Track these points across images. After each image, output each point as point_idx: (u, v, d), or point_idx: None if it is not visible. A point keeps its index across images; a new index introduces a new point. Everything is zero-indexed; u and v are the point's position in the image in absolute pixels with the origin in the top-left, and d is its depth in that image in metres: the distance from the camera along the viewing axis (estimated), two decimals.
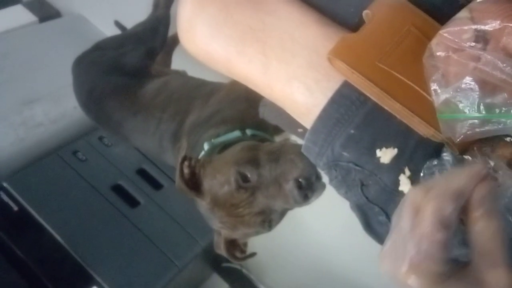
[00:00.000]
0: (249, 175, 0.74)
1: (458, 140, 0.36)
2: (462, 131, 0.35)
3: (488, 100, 0.33)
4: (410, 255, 0.31)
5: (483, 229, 0.32)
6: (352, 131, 0.45)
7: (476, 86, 0.34)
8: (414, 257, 0.31)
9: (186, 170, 0.79)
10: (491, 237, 0.31)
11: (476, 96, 0.34)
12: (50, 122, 1.52)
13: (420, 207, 0.32)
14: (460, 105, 0.35)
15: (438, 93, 0.37)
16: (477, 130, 0.35)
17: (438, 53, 0.37)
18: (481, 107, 0.34)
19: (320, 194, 0.74)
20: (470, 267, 0.32)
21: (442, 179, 0.34)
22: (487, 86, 0.34)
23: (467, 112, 0.35)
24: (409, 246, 0.31)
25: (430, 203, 0.32)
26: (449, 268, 0.31)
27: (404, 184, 0.44)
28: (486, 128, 0.34)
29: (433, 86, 0.37)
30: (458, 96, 0.35)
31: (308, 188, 0.71)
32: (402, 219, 0.33)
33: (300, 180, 0.70)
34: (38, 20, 1.80)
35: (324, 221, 1.56)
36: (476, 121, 0.34)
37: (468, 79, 0.34)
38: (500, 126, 0.33)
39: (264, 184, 0.73)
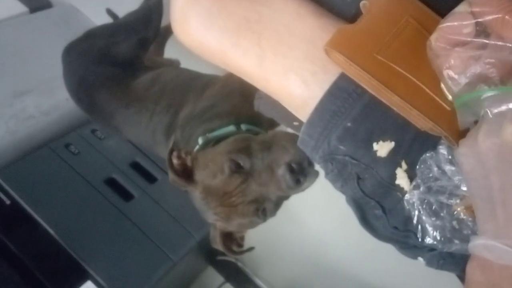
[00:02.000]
0: (241, 163, 0.74)
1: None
2: (487, 108, 0.34)
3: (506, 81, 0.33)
4: None
5: None
6: (348, 124, 0.44)
7: (496, 62, 0.33)
8: None
9: (175, 161, 0.79)
10: None
11: (496, 72, 0.33)
12: (41, 114, 1.50)
13: None
14: (483, 82, 0.34)
15: (457, 79, 0.36)
16: (504, 105, 0.33)
17: (439, 48, 0.37)
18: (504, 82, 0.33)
19: (313, 181, 0.74)
20: None
21: None
22: (501, 70, 0.33)
23: (489, 88, 0.34)
24: None
25: None
26: None
27: (401, 178, 0.44)
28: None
29: (449, 74, 0.36)
30: (479, 74, 0.34)
31: (300, 173, 0.72)
32: None
33: (292, 164, 0.71)
34: (28, 10, 1.77)
35: (320, 214, 1.56)
36: (500, 93, 0.33)
37: (487, 56, 0.33)
38: None
39: (257, 171, 0.74)
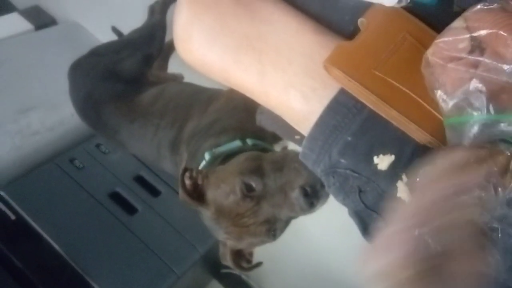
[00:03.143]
0: (254, 185, 0.74)
1: (467, 144, 0.36)
2: (471, 134, 0.35)
3: (496, 102, 0.34)
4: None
5: None
6: (349, 138, 0.45)
7: (484, 87, 0.34)
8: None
9: (187, 181, 0.80)
10: None
11: (485, 97, 0.34)
12: (46, 130, 1.51)
13: None
14: (469, 108, 0.35)
15: (446, 99, 0.37)
16: (487, 131, 0.35)
17: (435, 63, 0.38)
18: (490, 108, 0.34)
19: (325, 202, 0.75)
20: None
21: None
22: (491, 90, 0.34)
23: (476, 114, 0.35)
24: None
25: None
26: None
27: (402, 191, 0.44)
28: (496, 129, 0.34)
29: (439, 93, 0.37)
30: (467, 99, 0.35)
31: (313, 196, 0.72)
32: None
33: (305, 188, 0.71)
34: (34, 28, 1.80)
35: (323, 226, 1.55)
36: (486, 122, 0.34)
37: (475, 81, 0.34)
38: (510, 127, 0.33)
39: (270, 193, 0.74)
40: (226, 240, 0.83)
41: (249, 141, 0.91)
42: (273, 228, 0.77)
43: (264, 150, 0.89)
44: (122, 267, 1.26)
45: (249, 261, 0.90)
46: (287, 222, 0.80)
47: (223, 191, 0.77)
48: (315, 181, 0.71)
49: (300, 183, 0.72)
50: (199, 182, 0.80)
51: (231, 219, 0.77)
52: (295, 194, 0.72)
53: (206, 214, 0.81)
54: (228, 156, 0.86)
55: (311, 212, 0.75)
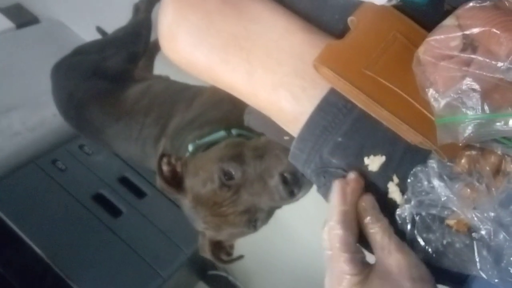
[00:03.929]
0: (233, 172, 0.72)
1: (461, 144, 0.36)
2: (465, 133, 0.34)
3: (490, 100, 0.33)
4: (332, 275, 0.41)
5: (374, 230, 0.42)
6: (339, 139, 0.44)
7: (477, 86, 0.33)
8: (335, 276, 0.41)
9: (165, 167, 0.77)
10: (382, 234, 0.41)
11: (479, 95, 0.33)
12: (28, 130, 1.48)
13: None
14: (463, 107, 0.34)
15: (437, 98, 0.36)
16: (482, 130, 0.34)
17: (426, 61, 0.37)
18: (485, 107, 0.33)
19: (307, 191, 0.72)
20: (377, 262, 0.42)
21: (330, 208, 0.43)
22: (485, 88, 0.33)
23: (471, 113, 0.34)
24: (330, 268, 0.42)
25: (328, 233, 0.42)
26: (364, 272, 0.41)
27: (393, 192, 0.44)
28: (491, 128, 0.33)
29: (431, 92, 0.37)
30: (460, 98, 0.34)
31: (294, 184, 0.69)
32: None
33: (285, 175, 0.69)
34: (15, 26, 1.76)
35: (312, 227, 1.55)
36: (480, 121, 0.34)
37: (468, 80, 0.34)
38: (505, 126, 0.33)
39: (249, 180, 0.72)
40: (205, 230, 0.81)
41: (234, 131, 0.88)
42: (253, 219, 0.75)
43: (250, 139, 0.87)
44: (106, 271, 1.24)
45: (229, 254, 0.88)
46: (269, 213, 0.77)
47: (201, 178, 0.74)
48: (295, 168, 0.70)
49: (279, 170, 0.69)
50: (178, 169, 0.78)
51: (209, 208, 0.75)
52: (274, 182, 0.69)
53: (185, 203, 0.79)
54: (211, 145, 0.84)
55: (292, 201, 0.72)
